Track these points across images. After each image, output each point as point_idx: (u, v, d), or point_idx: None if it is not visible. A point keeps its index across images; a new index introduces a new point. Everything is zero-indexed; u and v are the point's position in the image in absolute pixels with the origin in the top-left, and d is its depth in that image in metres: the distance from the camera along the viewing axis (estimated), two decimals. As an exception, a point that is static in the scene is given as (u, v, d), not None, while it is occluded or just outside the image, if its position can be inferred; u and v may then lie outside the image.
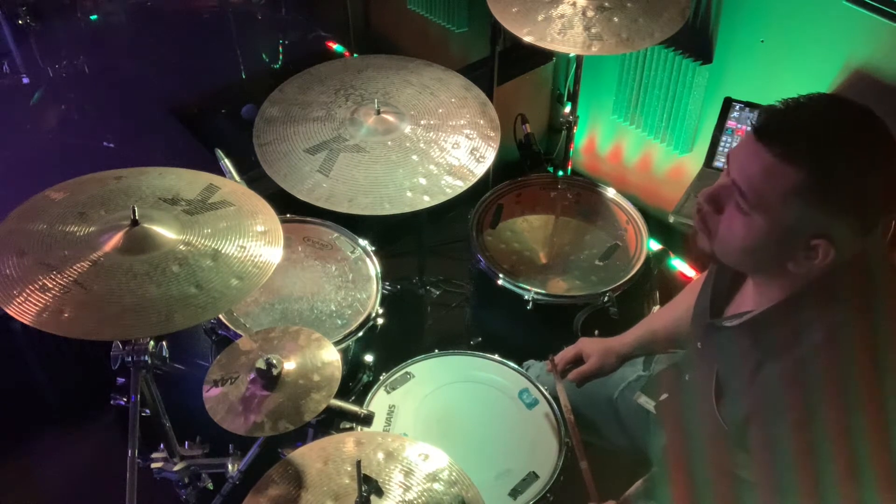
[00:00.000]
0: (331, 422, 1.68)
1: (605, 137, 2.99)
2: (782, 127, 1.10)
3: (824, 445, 1.11)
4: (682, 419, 1.50)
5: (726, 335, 1.29)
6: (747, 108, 2.27)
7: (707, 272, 1.46)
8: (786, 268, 1.15)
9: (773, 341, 1.19)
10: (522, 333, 2.15)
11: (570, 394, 1.74)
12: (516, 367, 1.89)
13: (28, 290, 1.30)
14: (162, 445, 1.67)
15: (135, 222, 1.40)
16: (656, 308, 2.28)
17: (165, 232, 1.42)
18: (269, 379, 1.52)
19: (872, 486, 1.09)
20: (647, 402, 1.70)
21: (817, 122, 1.09)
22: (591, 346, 1.77)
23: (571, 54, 2.72)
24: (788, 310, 1.18)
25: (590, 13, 2.01)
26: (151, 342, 1.48)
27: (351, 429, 1.66)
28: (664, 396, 1.64)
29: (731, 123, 2.30)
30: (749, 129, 1.13)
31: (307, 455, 1.45)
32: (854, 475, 1.09)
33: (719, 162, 2.36)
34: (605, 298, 2.03)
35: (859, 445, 1.09)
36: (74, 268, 1.34)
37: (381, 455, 1.45)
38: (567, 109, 2.44)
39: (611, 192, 2.34)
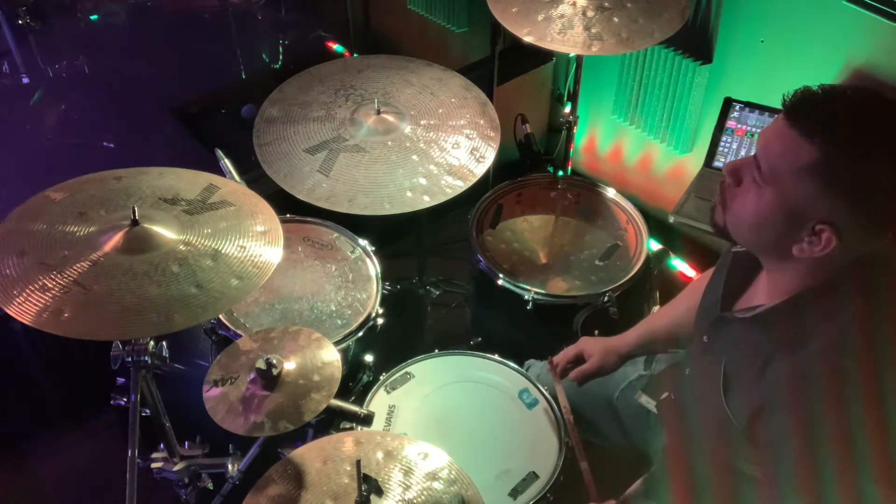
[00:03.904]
0: (331, 422, 1.68)
1: (605, 137, 2.99)
2: (810, 106, 1.11)
3: (827, 444, 1.11)
4: (683, 417, 1.50)
5: (737, 328, 1.29)
6: (747, 108, 2.27)
7: (715, 268, 1.46)
8: (791, 252, 1.15)
9: (782, 338, 1.19)
10: (522, 333, 2.15)
11: (570, 393, 1.74)
12: (516, 367, 1.89)
13: (28, 290, 1.30)
14: (162, 445, 1.67)
15: (135, 222, 1.40)
16: (656, 308, 2.28)
17: (165, 232, 1.42)
18: (269, 379, 1.52)
19: (874, 485, 1.09)
20: (648, 402, 1.70)
21: (848, 108, 1.10)
22: (592, 346, 1.77)
23: (571, 54, 2.72)
24: (797, 308, 1.19)
25: (590, 13, 2.01)
26: (151, 342, 1.48)
27: (351, 429, 1.66)
28: (665, 395, 1.64)
29: (731, 123, 2.30)
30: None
31: (307, 455, 1.45)
32: (856, 473, 1.10)
33: (719, 162, 2.36)
34: (605, 298, 2.03)
35: (862, 445, 1.09)
36: (74, 268, 1.34)
37: (380, 454, 1.45)
38: (567, 109, 2.44)
39: (611, 192, 2.34)
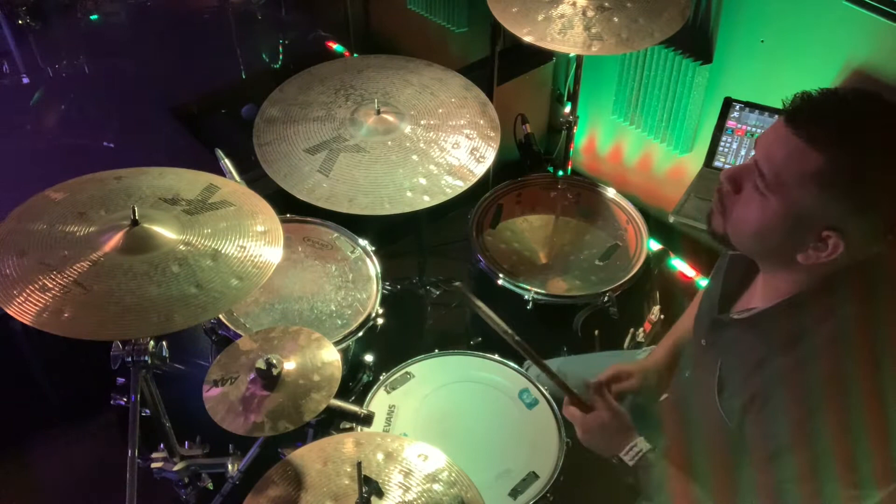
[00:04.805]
0: (331, 422, 1.68)
1: (605, 137, 2.99)
2: (814, 112, 1.10)
3: (824, 442, 1.11)
4: (682, 417, 1.50)
5: (732, 330, 1.30)
6: (747, 108, 2.27)
7: (713, 271, 1.46)
8: (795, 259, 1.15)
9: (778, 338, 1.19)
10: (522, 333, 2.14)
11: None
12: (516, 367, 1.89)
13: (28, 290, 1.30)
14: (162, 445, 1.67)
15: (135, 222, 1.40)
16: (656, 308, 2.28)
17: (165, 232, 1.42)
18: (269, 379, 1.52)
19: (871, 486, 1.10)
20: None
21: (850, 111, 1.09)
22: (629, 367, 1.71)
23: (571, 54, 2.72)
24: (793, 309, 1.19)
25: (590, 13, 2.01)
26: (151, 342, 1.48)
27: (351, 429, 1.66)
28: (664, 396, 1.64)
29: (731, 123, 2.30)
30: (779, 114, 1.14)
31: (307, 456, 1.45)
32: (852, 474, 1.10)
33: (719, 162, 2.36)
34: (605, 298, 2.03)
35: (858, 445, 1.09)
36: (74, 268, 1.34)
37: (380, 456, 1.45)
38: (567, 109, 2.44)
39: (611, 192, 2.34)
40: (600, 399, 1.47)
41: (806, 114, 1.10)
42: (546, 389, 1.82)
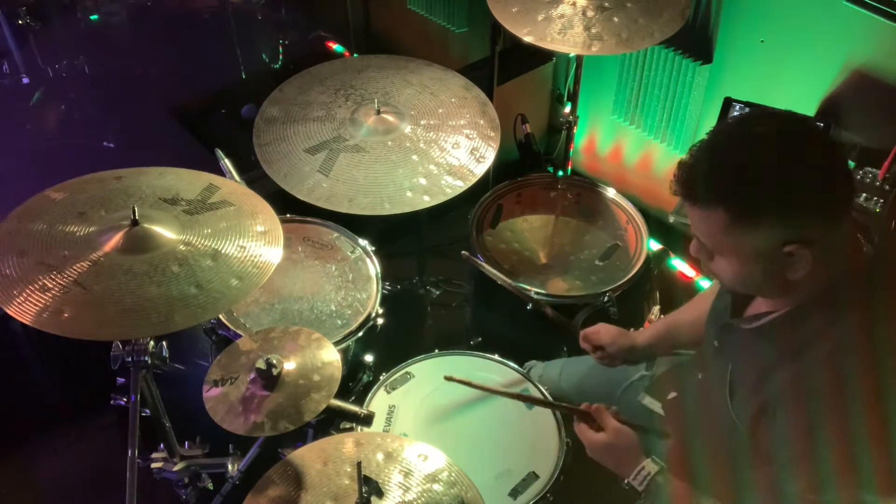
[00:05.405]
0: (331, 422, 1.68)
1: (605, 137, 2.99)
2: (687, 181, 1.15)
3: (827, 450, 1.12)
4: (691, 417, 1.51)
5: (742, 336, 1.31)
6: (747, 109, 2.27)
7: None
8: (787, 279, 1.16)
9: (783, 347, 1.21)
10: (522, 333, 2.14)
11: (571, 393, 1.74)
12: (516, 367, 1.89)
13: (28, 290, 1.30)
14: (162, 445, 1.67)
15: (135, 222, 1.40)
16: (656, 308, 2.28)
17: (165, 232, 1.42)
18: (269, 379, 1.52)
19: (873, 492, 1.10)
20: (651, 403, 1.70)
21: (708, 159, 1.14)
22: (608, 328, 1.75)
23: (571, 54, 2.72)
24: (799, 318, 1.21)
25: (590, 13, 2.01)
26: (151, 342, 1.48)
27: (351, 429, 1.66)
28: (672, 395, 1.64)
29: (731, 123, 2.30)
30: None
31: (307, 456, 1.45)
32: (855, 480, 1.10)
33: (719, 162, 2.35)
34: (605, 298, 2.02)
35: (862, 456, 1.10)
36: (74, 268, 1.34)
37: (380, 456, 1.45)
38: (567, 109, 2.44)
39: (611, 192, 2.33)
40: (607, 419, 1.47)
41: (684, 185, 1.16)
42: (546, 390, 1.82)
